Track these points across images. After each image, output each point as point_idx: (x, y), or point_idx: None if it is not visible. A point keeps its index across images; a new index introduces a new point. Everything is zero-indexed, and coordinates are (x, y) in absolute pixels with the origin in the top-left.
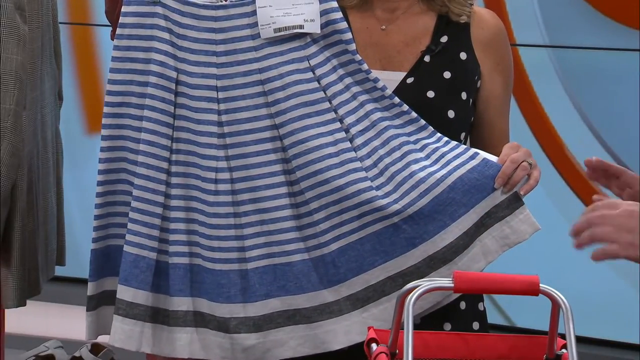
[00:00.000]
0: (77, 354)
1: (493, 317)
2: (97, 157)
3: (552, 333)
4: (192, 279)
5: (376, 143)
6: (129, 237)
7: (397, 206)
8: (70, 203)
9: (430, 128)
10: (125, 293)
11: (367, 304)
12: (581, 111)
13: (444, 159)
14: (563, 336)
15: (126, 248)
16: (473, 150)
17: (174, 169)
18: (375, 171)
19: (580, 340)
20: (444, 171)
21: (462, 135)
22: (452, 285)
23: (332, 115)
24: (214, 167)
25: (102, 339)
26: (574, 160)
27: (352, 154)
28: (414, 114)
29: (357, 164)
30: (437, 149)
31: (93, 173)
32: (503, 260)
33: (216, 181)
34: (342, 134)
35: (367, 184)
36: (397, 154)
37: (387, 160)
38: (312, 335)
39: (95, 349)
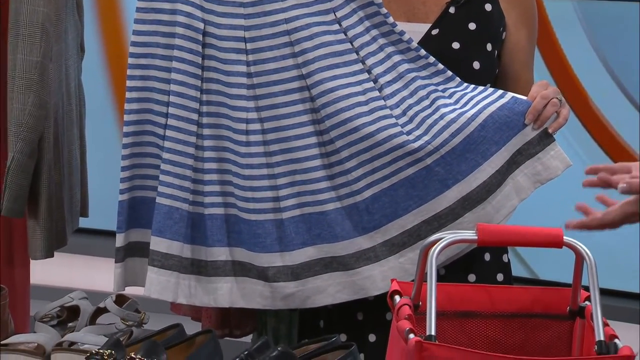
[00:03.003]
0: (101, 305)
1: (516, 270)
2: (118, 109)
3: (575, 285)
4: (229, 229)
5: (405, 93)
6: (161, 188)
7: (429, 147)
8: (92, 155)
9: (458, 79)
10: (159, 244)
11: (404, 248)
12: (605, 63)
13: (473, 101)
14: (587, 288)
15: (159, 200)
16: (501, 90)
17: (204, 120)
18: (405, 119)
19: (604, 292)
20: (474, 110)
21: (488, 86)
22: (476, 237)
23: (359, 66)
24: (245, 118)
25: (126, 290)
26: (598, 112)
27: (381, 102)
28: (440, 66)
29: (387, 112)
30: (465, 94)
31: (115, 126)
32: (526, 212)
33: (247, 132)
34: (371, 84)
35: (397, 129)
36: (426, 102)
37: (417, 108)
38: (350, 281)
39: (120, 300)
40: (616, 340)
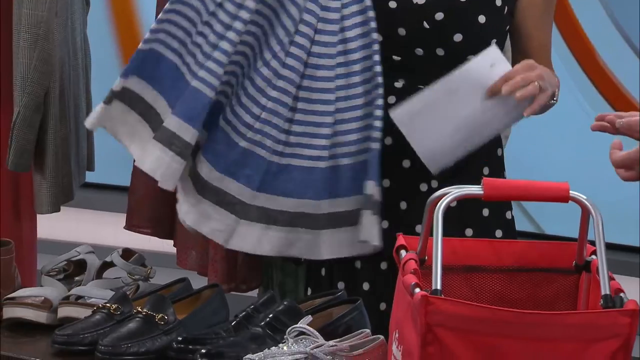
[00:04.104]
0: (108, 259)
1: (522, 225)
2: (124, 63)
3: (581, 240)
4: (212, 112)
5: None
6: (202, 74)
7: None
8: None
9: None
10: (186, 132)
11: (345, 225)
12: (613, 17)
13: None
14: (593, 243)
15: (196, 84)
16: None
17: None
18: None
19: (609, 246)
20: None
21: (493, 42)
22: (482, 192)
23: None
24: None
25: (133, 244)
26: (605, 66)
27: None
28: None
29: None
30: None
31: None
32: (532, 167)
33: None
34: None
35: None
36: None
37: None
38: (308, 239)
39: (126, 254)
40: (622, 294)
